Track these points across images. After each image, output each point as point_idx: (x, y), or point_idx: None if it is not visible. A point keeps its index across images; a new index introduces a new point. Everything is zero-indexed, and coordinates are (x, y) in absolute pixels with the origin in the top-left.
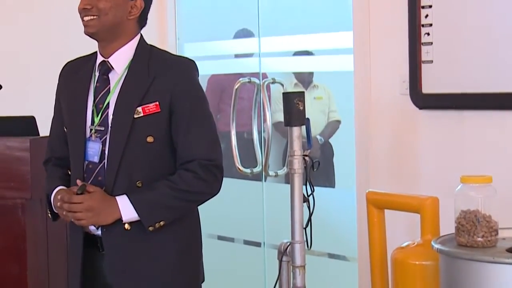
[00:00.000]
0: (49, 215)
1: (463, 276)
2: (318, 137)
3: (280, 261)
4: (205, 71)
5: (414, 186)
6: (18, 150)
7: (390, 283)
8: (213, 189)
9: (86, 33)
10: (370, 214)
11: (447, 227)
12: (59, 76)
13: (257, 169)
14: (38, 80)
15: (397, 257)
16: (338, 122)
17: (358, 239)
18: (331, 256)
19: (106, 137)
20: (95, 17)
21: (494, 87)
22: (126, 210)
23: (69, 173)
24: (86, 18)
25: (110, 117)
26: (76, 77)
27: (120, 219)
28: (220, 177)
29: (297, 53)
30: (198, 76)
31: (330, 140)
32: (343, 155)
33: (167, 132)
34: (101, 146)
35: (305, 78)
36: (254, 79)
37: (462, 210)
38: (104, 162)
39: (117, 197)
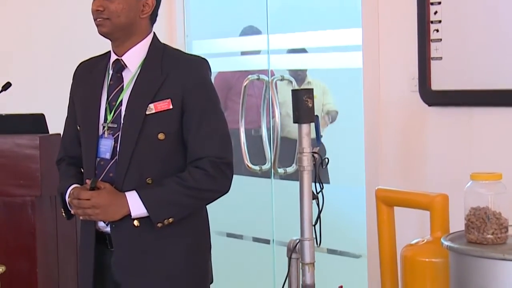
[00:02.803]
0: (63, 214)
1: (473, 273)
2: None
3: (289, 259)
4: (215, 68)
5: (423, 183)
6: (27, 147)
7: (400, 280)
8: (223, 187)
9: (100, 33)
10: (379, 211)
11: (457, 224)
12: (73, 76)
13: (266, 166)
14: (47, 77)
15: (406, 254)
16: (336, 112)
17: (367, 236)
18: (341, 253)
19: (118, 134)
20: (107, 19)
21: (503, 83)
22: (135, 205)
23: (82, 171)
24: (98, 20)
25: (123, 114)
26: (90, 76)
27: (129, 216)
28: (230, 175)
29: (291, 51)
30: (211, 74)
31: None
32: (337, 151)
33: (178, 129)
34: (113, 142)
35: (298, 76)
36: (263, 76)
37: (472, 207)
38: (116, 159)
39: (126, 193)
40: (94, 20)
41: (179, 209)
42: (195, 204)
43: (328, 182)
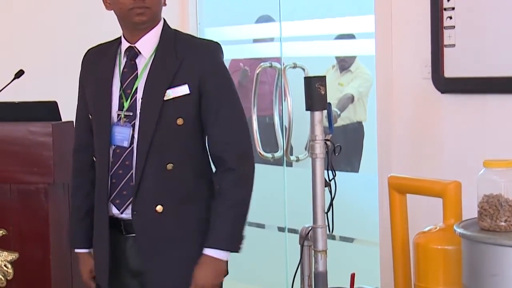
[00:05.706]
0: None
1: (486, 260)
2: (335, 109)
3: (302, 246)
4: (228, 55)
5: (436, 171)
6: (40, 135)
7: (412, 267)
8: (251, 175)
9: (138, 22)
10: (392, 198)
11: (470, 211)
12: (82, 63)
13: (278, 154)
14: (60, 65)
15: (419, 241)
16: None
17: (380, 224)
18: (353, 240)
19: (135, 122)
20: (147, 8)
21: None
22: (218, 255)
23: (94, 159)
24: (140, 9)
25: (139, 101)
26: (100, 64)
27: (153, 202)
28: (252, 161)
29: (339, 37)
30: (223, 58)
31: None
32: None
33: (196, 114)
34: (131, 130)
35: (344, 63)
36: (275, 64)
37: (485, 194)
38: (133, 147)
39: (204, 255)
40: (131, 9)
41: (242, 225)
42: (247, 206)
43: (357, 171)
